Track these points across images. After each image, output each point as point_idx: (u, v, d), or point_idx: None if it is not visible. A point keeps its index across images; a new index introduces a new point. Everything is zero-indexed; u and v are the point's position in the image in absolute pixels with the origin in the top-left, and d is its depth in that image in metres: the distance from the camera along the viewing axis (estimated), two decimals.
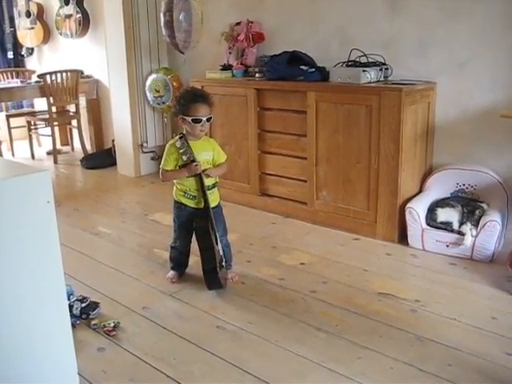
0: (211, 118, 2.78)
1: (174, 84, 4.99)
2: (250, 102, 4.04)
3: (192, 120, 2.71)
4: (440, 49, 3.58)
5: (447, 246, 3.27)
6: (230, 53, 4.54)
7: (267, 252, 3.41)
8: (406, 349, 2.36)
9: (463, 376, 2.17)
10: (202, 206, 2.81)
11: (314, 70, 3.81)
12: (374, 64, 3.69)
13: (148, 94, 5.12)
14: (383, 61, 3.73)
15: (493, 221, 3.14)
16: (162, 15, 4.40)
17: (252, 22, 4.37)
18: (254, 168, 4.14)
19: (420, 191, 3.63)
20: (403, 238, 3.46)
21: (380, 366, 2.25)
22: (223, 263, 2.87)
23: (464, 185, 3.51)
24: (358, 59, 3.74)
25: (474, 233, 3.19)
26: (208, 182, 2.81)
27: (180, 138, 2.74)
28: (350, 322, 2.59)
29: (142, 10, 5.01)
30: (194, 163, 2.72)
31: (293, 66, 3.85)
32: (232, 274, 3.02)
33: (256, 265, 3.22)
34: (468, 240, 3.17)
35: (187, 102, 2.73)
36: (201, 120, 2.72)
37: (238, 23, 4.47)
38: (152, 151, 5.38)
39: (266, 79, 4.04)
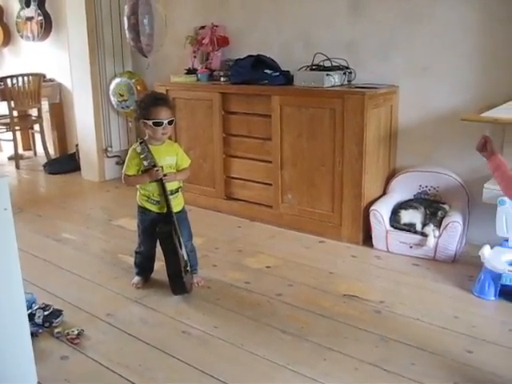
0: (173, 120, 2.76)
1: (139, 88, 4.96)
2: (214, 106, 4.03)
3: (153, 123, 2.69)
4: (402, 52, 3.62)
5: (411, 247, 3.32)
6: (194, 57, 4.53)
7: (233, 256, 3.40)
8: (371, 349, 2.38)
9: (427, 375, 2.20)
10: (165, 210, 2.79)
11: (278, 73, 3.83)
12: (338, 68, 3.72)
13: (112, 98, 5.06)
14: (347, 65, 3.76)
15: (454, 222, 3.20)
16: (125, 18, 4.35)
17: (216, 26, 4.37)
18: (219, 172, 4.13)
19: (384, 193, 3.68)
20: (368, 240, 3.50)
21: (345, 367, 2.27)
22: (188, 268, 2.85)
23: (427, 186, 3.57)
24: (321, 63, 3.77)
25: (437, 234, 3.24)
26: (171, 186, 2.79)
27: (140, 143, 2.71)
28: (315, 324, 2.60)
29: (105, 13, 4.96)
30: (155, 168, 2.70)
31: (257, 70, 3.86)
32: (198, 278, 3.00)
33: (222, 269, 3.21)
34: (431, 241, 3.22)
35: (148, 105, 2.71)
36: (162, 123, 2.70)
37: (203, 27, 4.46)
38: (117, 156, 5.32)
39: (230, 83, 4.04)
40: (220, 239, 3.67)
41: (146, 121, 2.71)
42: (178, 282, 2.81)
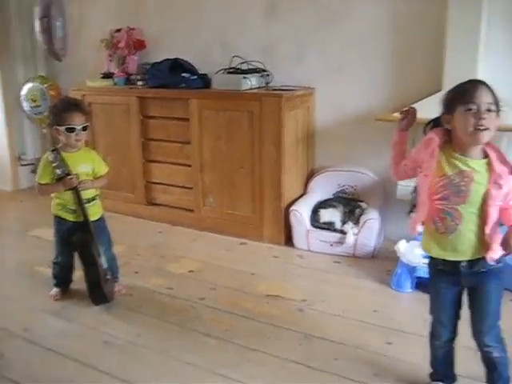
0: (87, 126, 2.68)
1: (52, 93, 4.79)
2: (132, 111, 3.96)
3: (66, 129, 2.60)
4: (317, 54, 3.70)
5: (331, 245, 3.39)
6: (110, 60, 4.43)
7: (155, 261, 3.35)
8: (294, 348, 2.42)
9: (349, 368, 2.26)
10: (81, 219, 2.70)
11: (195, 77, 3.82)
12: (255, 71, 3.74)
13: (24, 103, 4.86)
14: (263, 67, 3.80)
15: (372, 219, 3.30)
16: (37, 21, 4.20)
17: (133, 29, 4.29)
18: (139, 177, 4.06)
19: (304, 193, 3.74)
20: (289, 240, 3.55)
21: (269, 366, 2.29)
22: (108, 276, 2.78)
23: (344, 185, 3.67)
24: (239, 66, 3.79)
25: (356, 231, 3.34)
26: (87, 194, 2.71)
27: (52, 151, 2.61)
28: (239, 325, 2.61)
29: (14, 15, 4.75)
30: (69, 176, 2.61)
31: (175, 74, 3.83)
32: (119, 286, 2.93)
33: (144, 275, 3.15)
34: (350, 238, 3.31)
35: (60, 111, 2.62)
36: (75, 129, 2.61)
37: (118, 30, 4.36)
38: (31, 163, 5.11)
39: (148, 87, 3.98)
40: (141, 245, 3.60)
41: (58, 127, 2.62)
42: (98, 292, 2.74)
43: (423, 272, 2.85)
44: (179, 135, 3.82)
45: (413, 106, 2.04)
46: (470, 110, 1.67)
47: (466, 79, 1.80)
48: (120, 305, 2.81)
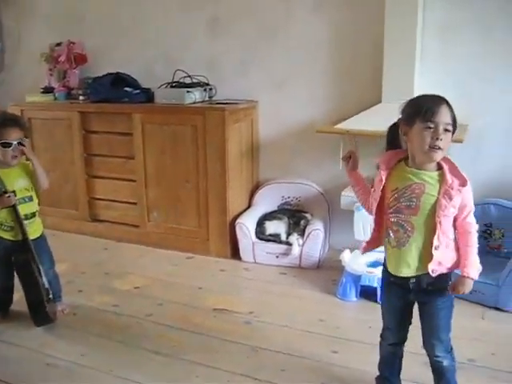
0: (24, 141, 2.60)
1: None
2: (74, 126, 3.90)
3: (1, 145, 2.53)
4: (260, 68, 3.75)
5: (277, 256, 3.42)
6: (51, 75, 4.34)
7: (100, 279, 3.29)
8: (242, 361, 2.42)
9: (296, 378, 2.28)
10: (20, 238, 2.62)
11: (138, 91, 3.79)
12: (198, 84, 3.75)
13: None
14: (207, 81, 3.81)
15: (316, 229, 3.35)
16: None
17: (73, 43, 4.23)
18: (82, 193, 3.99)
19: (249, 206, 3.76)
20: (236, 253, 3.56)
21: (217, 381, 2.28)
22: (50, 296, 2.70)
23: (289, 197, 3.72)
24: (182, 80, 3.79)
25: (301, 242, 3.38)
26: (26, 210, 2.62)
27: None
28: (186, 341, 2.59)
29: None
30: (6, 194, 2.53)
31: (117, 88, 3.80)
32: (62, 306, 2.85)
33: (88, 293, 3.09)
34: (295, 249, 3.35)
35: None
36: (11, 144, 2.54)
37: (59, 44, 4.28)
38: None
39: (90, 102, 3.93)
40: (85, 263, 3.53)
41: None
42: (40, 313, 2.66)
43: (368, 280, 2.92)
44: (123, 150, 3.77)
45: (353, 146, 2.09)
46: (429, 128, 1.69)
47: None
48: (63, 325, 2.74)
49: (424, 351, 1.99)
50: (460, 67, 3.23)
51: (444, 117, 1.69)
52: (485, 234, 3.23)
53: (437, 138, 1.69)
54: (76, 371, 2.36)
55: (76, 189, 4.01)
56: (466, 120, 3.24)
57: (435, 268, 1.79)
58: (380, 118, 3.14)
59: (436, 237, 1.75)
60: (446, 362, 1.94)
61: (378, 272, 2.90)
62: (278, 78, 3.71)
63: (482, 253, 3.17)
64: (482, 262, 3.12)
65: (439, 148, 1.70)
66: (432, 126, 1.69)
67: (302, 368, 2.35)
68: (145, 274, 3.35)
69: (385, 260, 1.94)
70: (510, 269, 2.81)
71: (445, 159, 1.77)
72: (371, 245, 1.99)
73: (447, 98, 1.76)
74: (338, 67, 3.53)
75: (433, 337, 1.92)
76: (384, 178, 1.81)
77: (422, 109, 1.70)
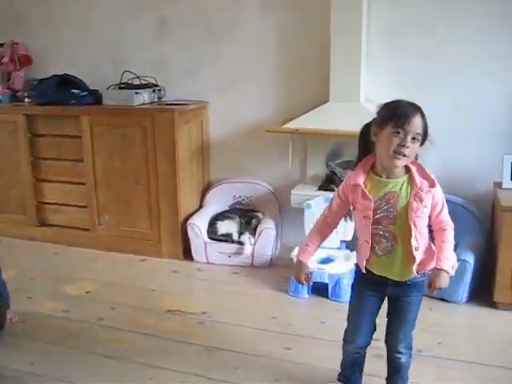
0: None
1: None
2: (19, 129, 3.81)
3: None
4: (210, 69, 3.75)
5: (229, 256, 3.44)
6: None
7: (50, 285, 3.23)
8: (196, 361, 2.42)
9: (249, 376, 2.30)
10: None
11: (86, 93, 3.74)
12: (147, 86, 3.73)
13: None
14: (156, 82, 3.79)
15: (268, 228, 3.39)
16: None
17: (17, 44, 4.12)
18: (29, 198, 3.90)
19: (200, 207, 3.77)
20: (188, 254, 3.56)
21: (171, 382, 2.28)
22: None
23: (240, 197, 3.74)
24: (130, 81, 3.75)
25: (252, 241, 3.40)
26: None
27: None
28: (140, 344, 2.57)
29: None
30: None
31: (63, 90, 3.73)
32: (10, 314, 2.77)
33: (38, 300, 3.03)
34: (247, 249, 3.37)
35: None
36: None
37: (1, 44, 4.17)
38: None
39: (35, 104, 3.85)
40: (34, 269, 3.45)
41: None
42: None
43: (319, 277, 2.96)
44: (71, 153, 3.72)
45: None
46: (398, 133, 1.71)
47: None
48: (11, 333, 2.66)
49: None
50: (404, 66, 3.31)
51: (415, 126, 1.72)
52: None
53: (403, 145, 1.71)
54: (25, 380, 2.31)
55: (23, 193, 3.92)
56: None
57: (418, 269, 1.83)
58: (328, 117, 3.23)
59: (413, 239, 1.78)
60: (404, 359, 2.00)
61: (328, 268, 2.97)
62: (227, 78, 3.73)
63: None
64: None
65: (404, 155, 1.73)
66: (401, 132, 1.71)
67: (256, 366, 2.38)
68: (96, 278, 3.31)
69: (361, 262, 1.92)
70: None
71: (412, 161, 1.80)
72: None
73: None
74: (287, 67, 3.57)
75: (400, 331, 1.96)
76: (367, 192, 1.80)
77: (396, 114, 1.73)
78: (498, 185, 3.09)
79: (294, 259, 3.03)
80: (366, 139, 1.86)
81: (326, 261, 3.03)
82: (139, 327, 2.71)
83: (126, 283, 3.24)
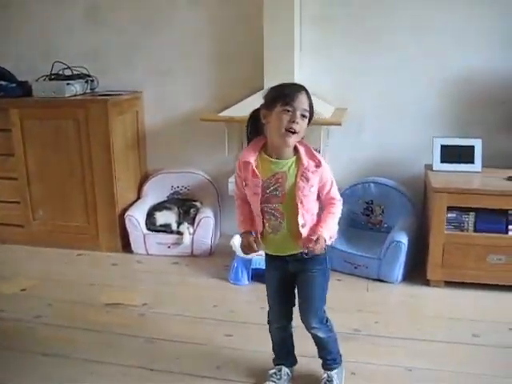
0: None
1: None
2: None
3: None
4: (144, 58, 3.70)
5: (169, 247, 3.42)
6: None
7: None
8: (137, 353, 2.41)
9: (191, 365, 2.30)
10: None
11: (14, 85, 3.61)
12: (79, 76, 3.64)
13: None
14: (88, 73, 3.70)
15: (206, 217, 3.39)
16: None
17: None
18: None
19: (138, 198, 3.72)
20: (127, 246, 3.52)
21: (113, 376, 2.26)
22: None
23: (178, 187, 3.73)
24: (61, 72, 3.65)
25: (191, 231, 3.40)
26: None
27: None
28: (79, 339, 2.53)
29: None
30: None
31: None
32: None
33: None
34: (186, 238, 3.37)
35: None
36: None
37: None
38: None
39: None
40: None
41: None
42: None
43: (258, 263, 2.99)
44: (1, 147, 3.57)
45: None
46: (287, 111, 1.78)
47: (285, 79, 1.92)
48: None
49: None
50: (336, 53, 3.39)
51: (302, 103, 1.80)
52: (366, 211, 3.42)
53: (293, 121, 1.78)
54: None
55: None
56: (345, 104, 3.43)
57: (303, 243, 1.88)
58: None
59: (300, 216, 1.85)
60: (321, 334, 2.05)
61: None
62: (161, 68, 3.68)
63: (365, 229, 3.41)
64: (364, 238, 3.34)
65: (294, 131, 1.79)
66: (290, 109, 1.78)
67: (198, 354, 2.38)
68: (32, 275, 3.22)
69: (264, 246, 1.98)
70: (390, 242, 3.01)
71: (301, 142, 1.88)
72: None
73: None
74: (221, 56, 3.56)
75: (309, 307, 2.01)
76: (257, 172, 1.85)
77: (284, 93, 1.80)
78: (429, 167, 3.20)
79: (233, 247, 3.06)
80: (255, 124, 1.91)
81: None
82: (78, 323, 2.67)
83: (64, 279, 3.17)
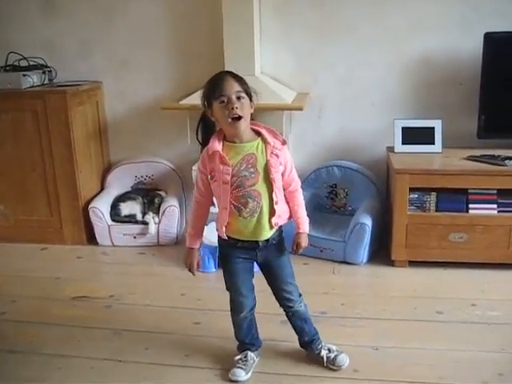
0: None
1: None
2: None
3: None
4: (102, 48, 3.64)
5: (134, 237, 3.40)
6: None
7: None
8: (104, 345, 2.39)
9: (160, 354, 2.30)
10: None
11: None
12: (36, 67, 3.56)
13: None
14: (45, 63, 3.62)
15: (171, 206, 3.38)
16: None
17: None
18: None
19: (102, 189, 3.68)
20: (92, 239, 3.48)
21: (80, 369, 2.24)
22: None
23: (142, 176, 3.70)
24: (17, 63, 3.56)
25: (157, 220, 3.39)
26: None
27: None
28: (45, 335, 2.50)
29: None
30: None
31: None
32: None
33: None
34: (152, 228, 3.35)
35: None
36: None
37: None
38: None
39: None
40: None
41: None
42: None
43: None
44: None
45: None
46: (223, 102, 1.81)
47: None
48: None
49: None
50: (296, 39, 3.40)
51: (231, 87, 1.82)
52: (331, 195, 3.45)
53: (232, 108, 1.80)
54: None
55: None
56: (307, 89, 3.44)
57: (277, 221, 1.95)
58: None
59: (274, 193, 1.89)
60: (302, 306, 2.13)
61: None
62: (120, 57, 3.63)
63: (329, 212, 3.44)
64: (329, 222, 3.37)
65: (239, 116, 1.81)
66: (224, 99, 1.81)
67: (166, 343, 2.38)
68: None
69: (233, 232, 1.97)
70: (354, 224, 3.04)
71: (259, 125, 1.93)
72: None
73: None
74: (180, 44, 3.53)
75: (286, 285, 2.07)
76: (226, 160, 1.86)
77: (212, 87, 1.84)
78: (391, 149, 3.24)
79: None
80: (207, 122, 1.95)
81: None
82: (44, 318, 2.63)
83: (28, 274, 3.11)
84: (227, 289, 2.12)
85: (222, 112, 1.82)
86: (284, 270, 2.06)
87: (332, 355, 2.15)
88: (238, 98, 1.81)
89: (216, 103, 1.82)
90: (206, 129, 1.97)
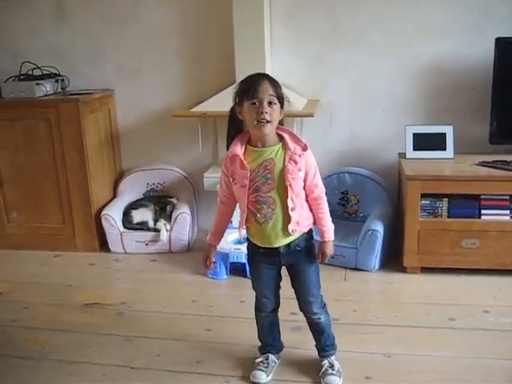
0: None
1: None
2: None
3: None
4: (113, 56, 3.67)
5: (146, 244, 3.41)
6: None
7: None
8: (116, 352, 2.40)
9: (172, 361, 2.30)
10: None
11: None
12: (49, 76, 3.60)
13: None
14: (58, 72, 3.66)
15: (183, 213, 3.39)
16: None
17: None
18: None
19: (114, 197, 3.70)
20: (104, 246, 3.50)
21: (92, 376, 2.24)
22: None
23: (154, 184, 3.71)
24: (30, 72, 3.60)
25: (168, 227, 3.39)
26: None
27: None
28: (57, 341, 2.51)
29: None
30: None
31: None
32: None
33: None
34: (164, 235, 3.36)
35: None
36: None
37: None
38: None
39: None
40: None
41: None
42: None
43: (236, 257, 3.01)
44: None
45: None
46: (254, 104, 1.80)
47: (256, 71, 1.93)
48: None
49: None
50: (306, 47, 3.41)
51: (266, 91, 1.81)
52: (342, 201, 3.44)
53: (261, 112, 1.80)
54: None
55: None
56: (317, 96, 3.44)
57: (294, 228, 1.92)
58: None
59: (289, 199, 1.88)
60: (323, 318, 2.10)
61: (244, 248, 3.00)
62: (132, 65, 3.66)
63: (341, 219, 3.43)
64: (340, 228, 3.36)
65: (267, 121, 1.81)
66: (256, 101, 1.81)
67: (178, 350, 2.38)
68: (7, 278, 3.18)
69: (254, 238, 2.00)
70: (366, 231, 3.03)
71: (283, 130, 1.92)
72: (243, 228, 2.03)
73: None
74: (191, 51, 3.55)
75: (308, 295, 2.05)
76: (245, 163, 1.87)
77: (246, 87, 1.84)
78: (402, 155, 3.23)
79: None
80: (235, 120, 1.94)
81: (242, 241, 3.06)
82: (55, 324, 2.64)
83: (40, 281, 3.13)
84: (252, 288, 2.14)
85: (250, 113, 1.82)
86: (308, 279, 2.04)
87: (329, 371, 2.12)
88: (270, 103, 1.81)
89: (247, 103, 1.82)
90: (234, 125, 1.95)
